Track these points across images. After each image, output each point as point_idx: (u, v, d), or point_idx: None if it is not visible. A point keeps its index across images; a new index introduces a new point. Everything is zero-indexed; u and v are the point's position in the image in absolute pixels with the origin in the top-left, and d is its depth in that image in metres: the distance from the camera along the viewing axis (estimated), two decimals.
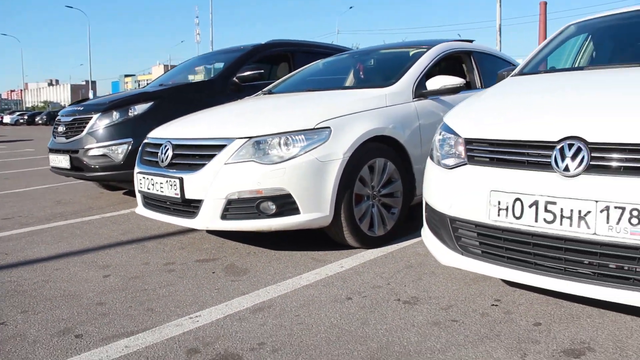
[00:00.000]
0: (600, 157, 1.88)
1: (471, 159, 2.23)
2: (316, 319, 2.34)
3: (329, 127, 3.02)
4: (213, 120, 3.38)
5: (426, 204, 2.51)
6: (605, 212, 1.81)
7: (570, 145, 1.93)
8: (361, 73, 4.14)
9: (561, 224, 1.90)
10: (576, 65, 3.61)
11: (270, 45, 5.54)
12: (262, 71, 4.92)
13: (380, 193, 3.29)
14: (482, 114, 2.37)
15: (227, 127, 3.15)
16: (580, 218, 1.86)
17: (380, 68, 4.09)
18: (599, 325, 2.19)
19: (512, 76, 3.08)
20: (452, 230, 2.28)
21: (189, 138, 3.25)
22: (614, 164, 1.85)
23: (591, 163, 1.89)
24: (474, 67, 4.22)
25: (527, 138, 2.07)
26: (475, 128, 2.28)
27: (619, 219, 1.79)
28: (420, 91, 3.56)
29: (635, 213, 1.76)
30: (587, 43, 3.68)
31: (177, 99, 4.72)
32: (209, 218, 3.03)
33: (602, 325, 2.18)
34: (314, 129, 3.00)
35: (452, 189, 2.24)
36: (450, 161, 2.31)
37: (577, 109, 2.11)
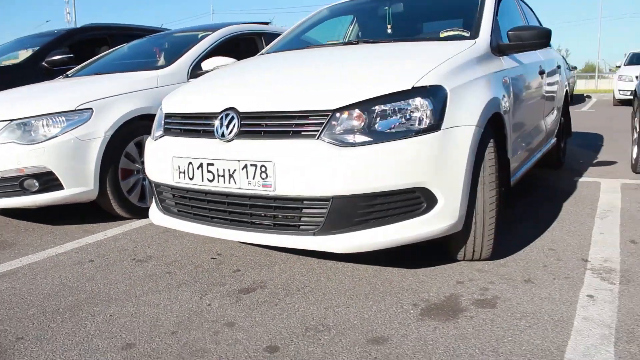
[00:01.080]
0: (247, 124, 2.26)
1: (168, 131, 2.55)
2: (48, 280, 2.60)
3: (90, 108, 3.26)
4: None
5: None
6: (245, 169, 2.19)
7: (227, 115, 2.30)
8: (157, 56, 4.38)
9: (218, 181, 2.27)
10: None
11: (85, 29, 5.64)
12: (72, 55, 5.02)
13: None
14: (186, 91, 2.69)
15: None
16: (230, 176, 2.23)
17: (169, 51, 4.34)
18: (287, 268, 2.61)
19: (259, 55, 3.44)
20: (157, 193, 2.60)
21: None
22: (257, 129, 2.23)
23: (241, 129, 2.26)
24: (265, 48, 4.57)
25: (201, 110, 2.42)
26: (174, 104, 2.61)
27: (254, 175, 2.17)
28: (196, 72, 3.86)
29: (264, 169, 2.15)
30: (352, 25, 4.10)
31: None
32: None
33: (289, 268, 2.60)
34: (74, 110, 3.23)
35: (154, 157, 2.56)
36: (157, 134, 2.63)
37: (243, 84, 2.50)
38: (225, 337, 1.95)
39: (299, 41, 3.48)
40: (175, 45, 4.35)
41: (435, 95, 2.18)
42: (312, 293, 2.30)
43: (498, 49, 2.89)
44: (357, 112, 2.12)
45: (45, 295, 2.41)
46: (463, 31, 2.91)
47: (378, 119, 2.12)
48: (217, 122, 2.32)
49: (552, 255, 2.66)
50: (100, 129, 3.24)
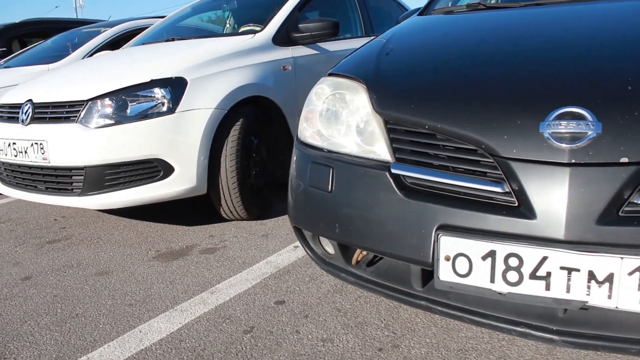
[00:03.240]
0: (38, 112, 2.89)
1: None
2: None
3: None
4: None
5: None
6: (32, 146, 2.82)
7: (26, 105, 2.93)
8: (70, 49, 5.02)
9: (20, 156, 2.91)
10: None
11: (24, 24, 6.35)
12: (5, 49, 5.73)
13: None
14: (20, 85, 3.35)
15: None
16: (25, 152, 2.87)
17: (75, 45, 4.97)
18: (99, 225, 3.25)
19: (116, 50, 4.05)
20: None
21: None
22: (43, 116, 2.87)
23: (34, 116, 2.89)
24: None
25: (13, 102, 3.07)
26: (6, 96, 3.27)
27: (37, 151, 2.80)
28: None
29: (42, 146, 2.78)
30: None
31: None
32: None
33: (101, 226, 3.24)
34: None
35: None
36: None
37: (49, 79, 3.12)
38: (2, 272, 2.61)
39: (148, 37, 4.05)
40: (80, 40, 5.00)
41: (174, 85, 2.75)
42: (98, 243, 2.94)
43: (289, 40, 3.40)
44: (106, 100, 2.72)
45: None
46: (256, 26, 3.44)
47: (124, 105, 2.71)
48: (20, 111, 2.96)
49: None
50: None
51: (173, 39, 3.61)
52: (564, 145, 1.21)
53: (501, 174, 1.27)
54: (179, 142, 2.72)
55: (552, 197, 1.21)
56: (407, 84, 1.58)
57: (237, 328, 1.91)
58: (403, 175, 1.43)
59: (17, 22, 6.37)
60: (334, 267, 1.70)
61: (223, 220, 3.15)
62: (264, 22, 3.49)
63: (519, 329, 1.31)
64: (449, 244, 1.31)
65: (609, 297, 1.18)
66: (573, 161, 1.20)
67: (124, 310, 2.12)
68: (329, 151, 1.63)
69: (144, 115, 2.69)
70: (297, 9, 3.57)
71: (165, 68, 2.81)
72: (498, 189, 1.28)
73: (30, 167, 2.90)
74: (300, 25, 3.41)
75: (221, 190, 2.91)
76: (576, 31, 1.63)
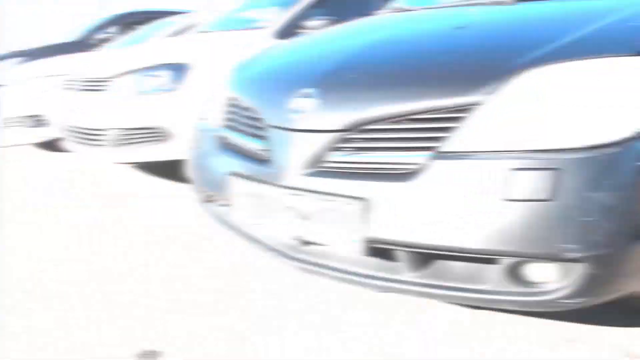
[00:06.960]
0: (86, 85, 3.77)
1: None
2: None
3: None
4: None
5: None
6: None
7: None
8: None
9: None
10: None
11: (129, 15, 7.50)
12: (113, 34, 6.86)
13: None
14: None
15: None
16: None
17: None
18: None
19: None
20: None
21: None
22: (88, 88, 3.74)
23: (83, 88, 3.78)
24: None
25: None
26: None
27: None
28: None
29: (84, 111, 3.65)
30: None
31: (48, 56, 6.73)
32: None
33: None
34: None
35: None
36: None
37: (96, 61, 3.98)
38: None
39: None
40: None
41: (179, 68, 3.46)
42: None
43: (292, 34, 3.95)
44: (128, 77, 3.50)
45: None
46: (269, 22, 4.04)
47: (141, 81, 3.48)
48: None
49: None
50: None
51: (206, 32, 4.33)
52: (295, 116, 1.68)
53: (267, 136, 1.77)
54: (179, 115, 3.42)
55: (283, 154, 1.68)
56: (247, 72, 2.11)
57: None
58: (222, 137, 1.98)
59: (123, 12, 7.60)
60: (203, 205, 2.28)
61: None
62: None
63: (271, 253, 1.80)
64: (235, 185, 1.84)
65: (309, 232, 1.63)
66: (296, 128, 1.66)
67: None
68: (202, 122, 2.22)
69: (153, 91, 3.43)
70: (310, 7, 4.09)
71: (176, 54, 3.53)
72: (261, 147, 1.78)
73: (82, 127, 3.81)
74: (305, 22, 3.94)
75: None
76: (381, 35, 2.04)
